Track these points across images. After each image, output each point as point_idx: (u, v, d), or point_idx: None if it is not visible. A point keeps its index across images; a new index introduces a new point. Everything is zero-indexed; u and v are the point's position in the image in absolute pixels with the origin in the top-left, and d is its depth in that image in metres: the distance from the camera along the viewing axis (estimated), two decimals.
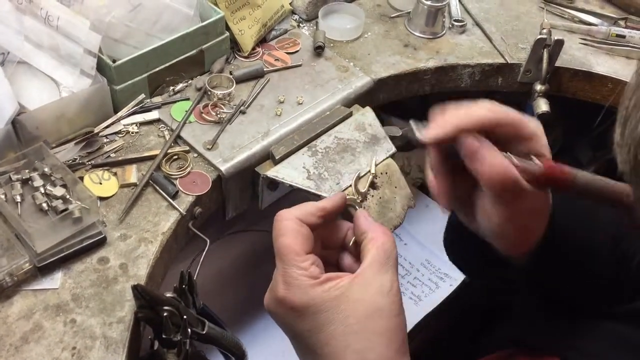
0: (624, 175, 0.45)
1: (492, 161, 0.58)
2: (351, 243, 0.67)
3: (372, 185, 0.92)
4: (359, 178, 0.89)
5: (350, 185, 0.91)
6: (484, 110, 0.60)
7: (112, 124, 0.96)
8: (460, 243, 0.74)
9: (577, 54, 1.20)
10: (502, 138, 0.61)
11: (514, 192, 0.60)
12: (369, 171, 0.94)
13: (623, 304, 0.76)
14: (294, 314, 0.60)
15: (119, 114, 0.96)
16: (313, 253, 0.64)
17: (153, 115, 0.98)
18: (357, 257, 0.67)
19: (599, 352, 0.68)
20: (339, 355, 0.58)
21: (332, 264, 0.69)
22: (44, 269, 0.78)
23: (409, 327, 1.21)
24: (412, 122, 0.63)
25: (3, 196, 0.82)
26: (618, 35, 1.22)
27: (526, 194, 0.61)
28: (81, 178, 0.88)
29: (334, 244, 0.70)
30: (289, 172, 0.92)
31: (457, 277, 1.29)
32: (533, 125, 0.62)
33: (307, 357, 0.62)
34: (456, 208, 0.68)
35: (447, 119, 0.60)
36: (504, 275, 0.77)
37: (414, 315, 1.23)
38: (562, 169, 0.61)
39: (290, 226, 0.62)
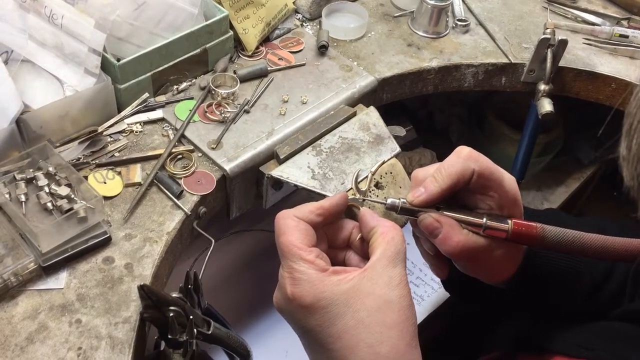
0: (630, 191, 0.45)
1: (450, 242, 0.65)
2: (357, 239, 0.67)
3: (377, 186, 0.92)
4: (358, 178, 0.89)
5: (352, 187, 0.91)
6: (459, 165, 0.65)
7: (116, 123, 0.95)
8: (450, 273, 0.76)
9: (580, 54, 1.20)
10: (476, 186, 0.66)
11: (473, 257, 0.68)
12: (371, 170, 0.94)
13: (616, 307, 0.77)
14: (304, 310, 0.60)
15: (123, 113, 0.96)
16: (317, 246, 0.64)
17: (157, 114, 0.98)
18: (363, 254, 0.68)
19: (601, 347, 0.69)
20: (351, 349, 0.58)
21: (338, 263, 0.69)
22: (48, 269, 0.78)
23: None
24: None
25: (7, 196, 0.82)
26: (621, 35, 1.22)
27: (487, 251, 0.68)
28: (85, 177, 0.87)
29: (339, 243, 0.70)
30: (294, 172, 0.92)
31: None
32: (507, 182, 0.67)
33: (318, 355, 0.62)
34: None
35: (430, 185, 0.66)
36: (490, 297, 0.79)
37: (417, 315, 1.23)
38: (530, 229, 0.66)
39: (289, 223, 0.63)
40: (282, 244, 0.62)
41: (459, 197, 0.69)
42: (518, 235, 0.67)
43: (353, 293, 0.59)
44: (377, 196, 0.92)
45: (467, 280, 0.75)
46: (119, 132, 0.95)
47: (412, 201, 0.67)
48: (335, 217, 0.69)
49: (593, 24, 1.27)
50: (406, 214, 0.68)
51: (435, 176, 0.66)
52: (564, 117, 1.45)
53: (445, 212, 0.67)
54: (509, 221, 0.67)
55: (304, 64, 1.10)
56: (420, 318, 1.23)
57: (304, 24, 1.19)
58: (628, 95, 0.44)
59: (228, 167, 0.92)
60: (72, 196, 0.82)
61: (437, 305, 1.25)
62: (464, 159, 0.65)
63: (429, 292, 1.27)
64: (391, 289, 0.59)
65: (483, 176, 0.65)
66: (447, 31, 1.22)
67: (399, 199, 0.68)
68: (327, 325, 0.59)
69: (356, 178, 0.81)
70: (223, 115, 0.98)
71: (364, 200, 0.76)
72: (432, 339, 1.25)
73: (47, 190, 0.83)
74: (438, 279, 1.28)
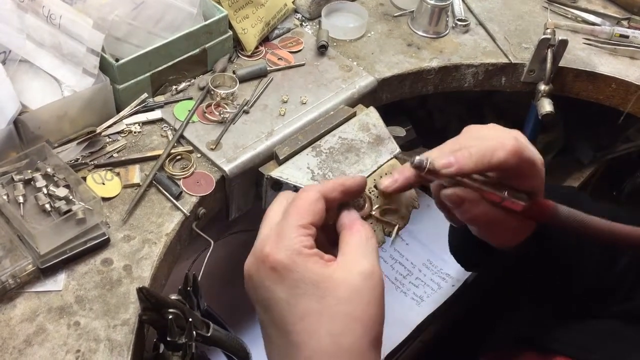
0: None
1: (469, 215, 0.67)
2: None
3: (377, 187, 0.92)
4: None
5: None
6: (500, 160, 0.63)
7: (115, 123, 0.95)
8: (458, 235, 0.76)
9: (580, 54, 1.20)
10: (511, 173, 0.65)
11: (489, 224, 0.69)
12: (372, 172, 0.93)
13: (617, 303, 0.77)
14: (275, 275, 0.57)
15: (122, 114, 0.96)
16: (318, 230, 0.63)
17: (156, 114, 0.97)
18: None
19: (601, 349, 0.69)
20: (312, 334, 0.56)
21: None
22: (47, 271, 0.78)
23: (412, 327, 1.21)
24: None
25: (5, 197, 0.81)
26: (621, 36, 1.21)
27: (503, 220, 0.68)
28: (84, 178, 0.87)
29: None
30: (293, 173, 0.91)
31: (459, 277, 1.29)
32: (538, 167, 0.66)
33: (278, 339, 0.59)
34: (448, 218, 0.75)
35: (462, 161, 0.63)
36: (496, 263, 0.79)
37: (417, 315, 1.23)
38: (544, 206, 0.67)
39: (311, 196, 0.62)
40: (293, 205, 0.61)
41: None
42: (532, 212, 0.67)
43: (324, 278, 0.57)
44: (377, 197, 0.91)
45: (474, 248, 0.75)
46: (118, 133, 0.94)
47: (440, 170, 0.64)
48: (351, 198, 0.68)
49: (593, 24, 1.26)
50: (430, 175, 0.66)
51: (472, 153, 0.63)
52: (563, 117, 1.45)
53: (466, 180, 0.66)
54: (526, 197, 0.66)
55: (303, 64, 1.09)
56: (419, 318, 1.23)
57: (303, 23, 1.19)
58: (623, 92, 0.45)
59: (227, 167, 0.92)
60: (71, 197, 0.82)
61: (437, 305, 1.25)
62: (509, 153, 0.63)
63: (428, 292, 1.27)
64: (363, 279, 0.58)
65: (519, 170, 0.64)
66: (447, 31, 1.21)
67: (427, 158, 0.65)
68: (293, 302, 0.57)
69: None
70: (222, 115, 0.97)
71: (375, 218, 0.75)
72: (432, 339, 1.25)
73: (45, 192, 0.82)
74: (438, 280, 1.29)
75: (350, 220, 0.64)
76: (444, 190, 0.66)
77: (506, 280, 0.86)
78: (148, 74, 0.96)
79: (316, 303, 0.56)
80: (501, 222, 0.68)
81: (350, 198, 0.67)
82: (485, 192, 0.66)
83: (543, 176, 0.67)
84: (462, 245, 0.89)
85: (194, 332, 0.76)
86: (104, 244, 0.81)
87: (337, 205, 0.66)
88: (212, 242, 0.90)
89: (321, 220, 0.62)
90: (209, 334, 0.79)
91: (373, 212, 0.75)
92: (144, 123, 0.97)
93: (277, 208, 0.63)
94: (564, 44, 1.12)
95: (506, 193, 0.65)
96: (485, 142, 0.64)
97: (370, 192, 0.91)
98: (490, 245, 0.75)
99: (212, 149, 0.94)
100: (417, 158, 0.64)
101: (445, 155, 0.64)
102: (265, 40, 1.13)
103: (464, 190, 0.65)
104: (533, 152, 0.65)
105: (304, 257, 0.57)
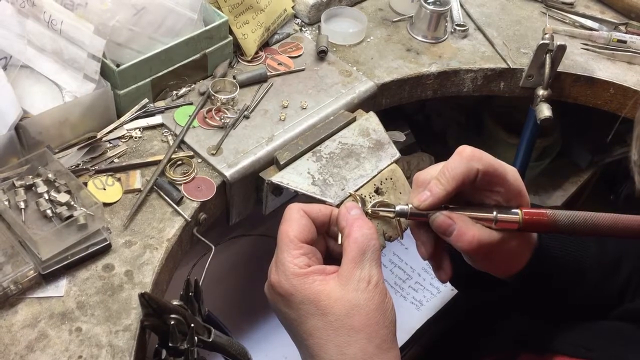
0: None
1: (465, 237, 0.65)
2: (339, 241, 0.67)
3: (377, 192, 0.92)
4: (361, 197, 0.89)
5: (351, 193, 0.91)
6: (463, 166, 0.64)
7: (116, 128, 0.95)
8: (455, 265, 0.75)
9: (578, 59, 1.20)
10: (481, 184, 0.66)
11: (488, 251, 0.67)
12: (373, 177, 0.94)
13: (618, 306, 0.78)
14: (282, 300, 0.63)
15: (122, 119, 0.96)
16: (313, 244, 0.66)
17: (156, 120, 0.97)
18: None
19: (601, 348, 0.69)
20: (321, 347, 0.61)
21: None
22: (48, 277, 0.78)
23: (411, 332, 1.21)
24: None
25: (6, 202, 0.81)
26: (619, 41, 1.22)
27: (502, 243, 0.67)
28: (85, 184, 0.87)
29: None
30: (294, 178, 0.92)
31: None
32: (511, 175, 0.67)
33: (298, 342, 0.66)
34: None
35: (434, 188, 0.65)
36: (495, 291, 0.79)
37: (416, 320, 1.23)
38: (541, 215, 0.66)
39: (293, 215, 0.66)
40: (280, 231, 0.65)
41: (463, 194, 0.69)
42: (530, 224, 0.66)
43: (323, 296, 0.61)
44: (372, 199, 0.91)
45: (474, 275, 0.75)
46: (118, 138, 0.95)
47: (419, 206, 0.67)
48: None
49: (591, 29, 1.27)
50: (416, 217, 0.68)
51: (439, 179, 0.66)
52: (561, 122, 1.45)
53: (454, 212, 0.67)
54: (519, 211, 0.66)
55: (303, 69, 1.09)
56: (419, 322, 1.23)
57: (303, 28, 1.19)
58: (636, 102, 0.45)
59: (228, 173, 0.92)
60: (72, 203, 0.82)
61: (437, 309, 1.25)
62: (467, 159, 0.65)
63: (428, 296, 1.27)
64: (359, 292, 0.61)
65: (487, 174, 0.65)
66: (446, 36, 1.22)
67: (407, 205, 0.68)
68: (300, 321, 0.62)
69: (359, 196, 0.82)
70: (223, 120, 0.98)
71: (371, 216, 0.76)
72: (431, 343, 1.25)
73: (47, 197, 0.82)
74: (437, 284, 1.29)
75: (350, 227, 0.65)
76: (432, 218, 0.66)
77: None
78: (149, 79, 0.96)
79: (319, 321, 0.61)
80: (500, 245, 0.67)
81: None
82: (477, 218, 0.66)
83: (516, 182, 0.67)
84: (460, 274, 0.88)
85: (196, 338, 0.76)
86: (105, 250, 0.81)
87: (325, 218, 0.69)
88: (213, 247, 0.90)
89: (311, 232, 0.66)
90: (210, 340, 0.79)
91: (368, 210, 0.76)
92: (145, 128, 0.97)
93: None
94: (562, 49, 1.12)
95: (495, 212, 0.66)
96: (448, 161, 0.66)
97: (370, 197, 0.92)
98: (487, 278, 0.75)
99: (212, 154, 0.94)
100: (399, 207, 0.68)
101: (419, 194, 0.67)
102: (265, 45, 1.13)
103: (452, 213, 0.66)
104: (497, 160, 0.66)
105: (301, 278, 0.62)
